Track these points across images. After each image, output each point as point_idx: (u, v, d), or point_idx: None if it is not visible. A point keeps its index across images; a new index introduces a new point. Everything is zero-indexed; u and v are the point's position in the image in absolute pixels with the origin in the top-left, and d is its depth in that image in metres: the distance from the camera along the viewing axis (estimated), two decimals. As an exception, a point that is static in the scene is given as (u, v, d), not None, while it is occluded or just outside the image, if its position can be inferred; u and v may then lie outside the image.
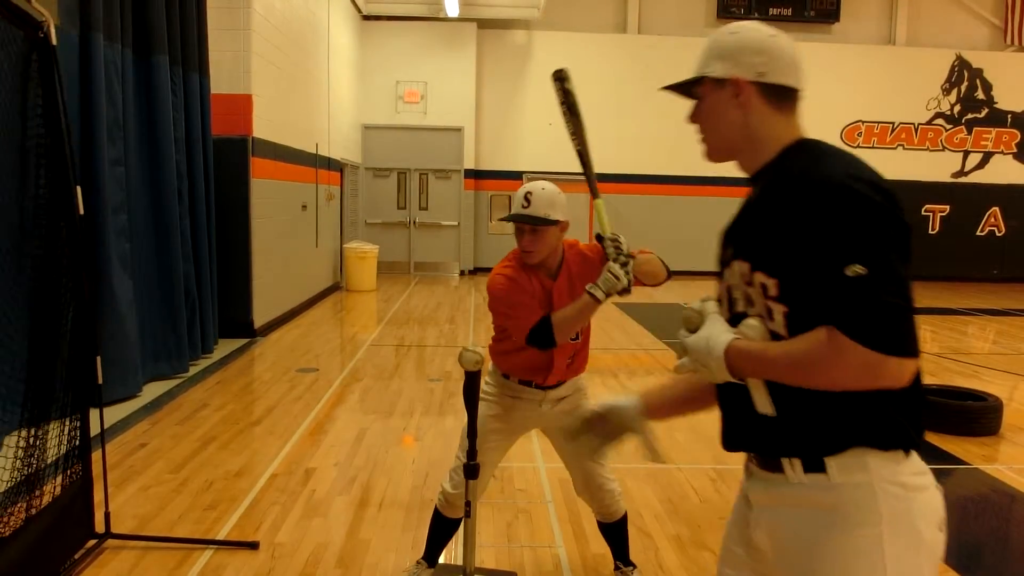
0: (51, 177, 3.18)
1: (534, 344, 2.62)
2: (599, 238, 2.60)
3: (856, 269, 1.26)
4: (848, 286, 1.26)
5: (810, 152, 1.45)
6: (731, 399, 1.54)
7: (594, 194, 2.66)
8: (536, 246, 2.69)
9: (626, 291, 2.49)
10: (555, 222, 2.67)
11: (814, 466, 1.40)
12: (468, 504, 2.51)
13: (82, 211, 3.25)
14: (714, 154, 1.59)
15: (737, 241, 1.51)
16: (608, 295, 2.48)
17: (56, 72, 3.14)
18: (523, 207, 2.67)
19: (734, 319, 1.49)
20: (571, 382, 2.94)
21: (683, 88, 1.61)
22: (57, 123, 3.18)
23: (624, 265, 2.50)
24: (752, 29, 1.53)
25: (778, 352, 1.37)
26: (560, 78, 2.74)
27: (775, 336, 1.41)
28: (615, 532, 3.07)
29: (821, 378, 1.31)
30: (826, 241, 1.30)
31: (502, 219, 2.85)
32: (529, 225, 2.66)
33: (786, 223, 1.36)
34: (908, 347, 1.27)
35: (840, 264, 1.27)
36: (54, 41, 3.10)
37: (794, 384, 1.36)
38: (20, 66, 3.05)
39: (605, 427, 1.84)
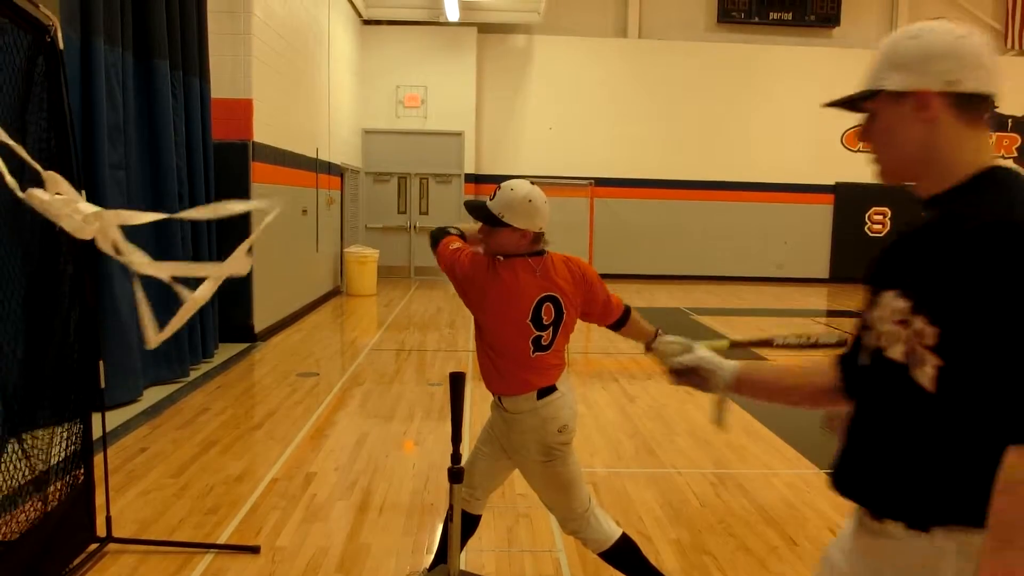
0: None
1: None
2: None
3: None
4: None
5: (1012, 187, 1.25)
6: (853, 441, 1.42)
7: None
8: (488, 240, 2.65)
9: None
10: (506, 225, 2.57)
11: (919, 527, 1.27)
12: (451, 508, 2.47)
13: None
14: (890, 176, 1.39)
15: (896, 272, 1.31)
16: None
17: (63, 76, 3.14)
18: (490, 198, 2.64)
19: (875, 353, 1.36)
20: (512, 402, 2.68)
21: (851, 102, 1.40)
22: (63, 128, 3.18)
23: None
24: (938, 31, 1.31)
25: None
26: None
27: (912, 387, 1.25)
28: (614, 562, 2.90)
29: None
30: None
31: (465, 203, 2.78)
32: (482, 220, 2.62)
33: (974, 271, 1.16)
34: None
35: None
36: (61, 45, 3.11)
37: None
38: (26, 70, 3.05)
39: (693, 376, 1.75)
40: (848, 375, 1.52)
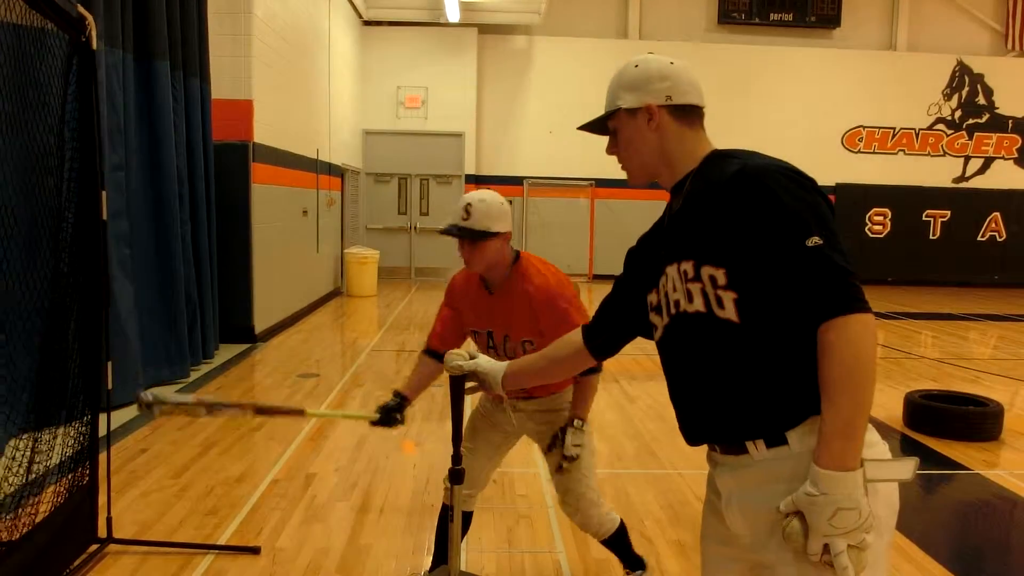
0: (79, 181, 3.18)
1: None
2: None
3: (815, 240, 1.38)
4: (811, 256, 1.38)
5: (733, 155, 1.56)
6: (687, 397, 1.64)
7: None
8: (475, 257, 2.68)
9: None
10: (494, 234, 2.65)
11: (776, 441, 1.48)
12: (451, 508, 2.47)
13: (105, 216, 3.26)
14: (638, 178, 1.70)
15: (669, 251, 1.60)
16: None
17: (95, 76, 3.15)
18: (463, 219, 2.65)
19: (677, 318, 1.60)
20: (544, 400, 2.83)
21: (596, 125, 1.71)
22: (91, 127, 3.18)
23: None
24: (653, 60, 1.65)
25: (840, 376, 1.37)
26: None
27: (720, 326, 1.49)
28: (612, 545, 3.03)
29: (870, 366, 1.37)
30: (783, 220, 1.41)
31: (439, 231, 2.84)
32: (467, 239, 2.65)
33: (735, 210, 1.46)
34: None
35: (802, 237, 1.39)
36: (95, 45, 3.11)
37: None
38: (64, 71, 3.06)
39: (475, 380, 2.04)
40: (591, 341, 1.91)
